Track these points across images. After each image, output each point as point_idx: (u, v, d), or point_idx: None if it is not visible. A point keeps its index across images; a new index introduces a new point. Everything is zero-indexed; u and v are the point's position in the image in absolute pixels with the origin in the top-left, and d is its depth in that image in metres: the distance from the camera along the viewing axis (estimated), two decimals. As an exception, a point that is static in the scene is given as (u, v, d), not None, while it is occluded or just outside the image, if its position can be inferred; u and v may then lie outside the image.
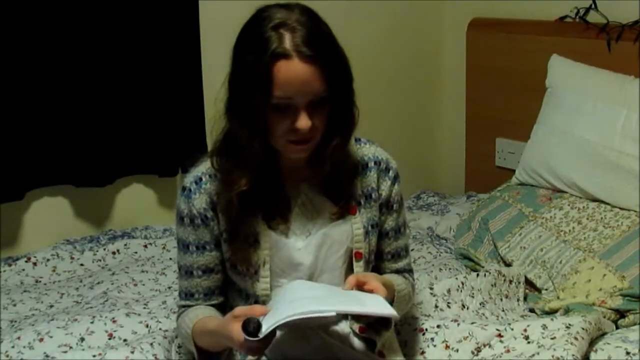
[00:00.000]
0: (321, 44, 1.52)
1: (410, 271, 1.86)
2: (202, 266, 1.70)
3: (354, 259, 1.71)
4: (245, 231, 1.64)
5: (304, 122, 1.52)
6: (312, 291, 1.60)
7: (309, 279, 1.69)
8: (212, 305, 1.73)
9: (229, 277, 1.73)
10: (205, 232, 1.68)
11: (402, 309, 1.75)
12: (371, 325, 1.71)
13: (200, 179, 1.67)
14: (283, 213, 1.67)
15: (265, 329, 1.46)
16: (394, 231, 1.79)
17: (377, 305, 1.54)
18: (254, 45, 1.52)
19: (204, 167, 1.68)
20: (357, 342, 1.70)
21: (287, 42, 1.49)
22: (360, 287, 1.58)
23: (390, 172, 1.74)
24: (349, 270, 1.72)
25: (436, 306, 2.05)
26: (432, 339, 1.88)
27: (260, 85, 1.50)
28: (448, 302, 2.07)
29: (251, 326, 1.46)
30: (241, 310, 1.52)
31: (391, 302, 1.63)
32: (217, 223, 1.67)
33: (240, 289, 1.71)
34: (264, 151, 1.58)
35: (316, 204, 1.69)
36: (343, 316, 1.71)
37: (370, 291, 1.58)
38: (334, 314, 1.50)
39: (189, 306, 1.73)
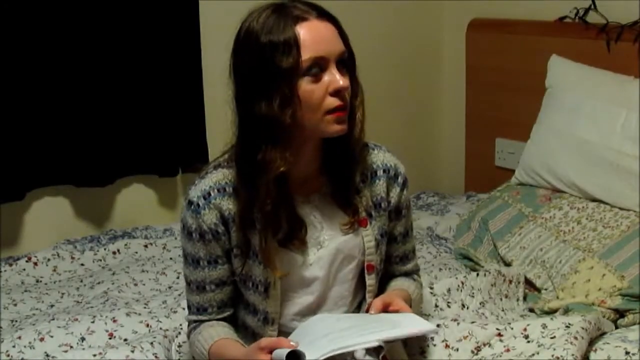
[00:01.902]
0: (325, 10, 1.57)
1: (417, 272, 1.85)
2: (215, 280, 1.66)
3: (365, 271, 1.69)
4: (257, 249, 1.61)
5: (340, 79, 1.52)
6: (343, 322, 1.56)
7: (321, 292, 1.67)
8: (224, 318, 1.70)
9: (238, 290, 1.70)
10: (216, 247, 1.63)
11: (416, 311, 1.74)
12: None
13: (209, 194, 1.61)
14: (294, 229, 1.63)
15: None
16: (402, 236, 1.77)
17: (413, 323, 1.52)
18: (268, 23, 1.51)
19: (210, 181, 1.62)
20: (359, 352, 1.69)
21: (299, 9, 1.53)
22: (385, 308, 1.58)
23: (399, 178, 1.72)
24: (359, 281, 1.71)
25: (436, 305, 2.05)
26: (432, 338, 1.88)
27: (288, 52, 1.49)
28: (448, 302, 2.07)
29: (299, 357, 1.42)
30: (268, 342, 1.49)
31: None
32: (229, 238, 1.63)
33: (249, 302, 1.69)
34: (296, 127, 1.54)
35: (327, 214, 1.66)
36: None
37: (396, 311, 1.57)
38: (376, 344, 1.47)
39: (202, 321, 1.69)
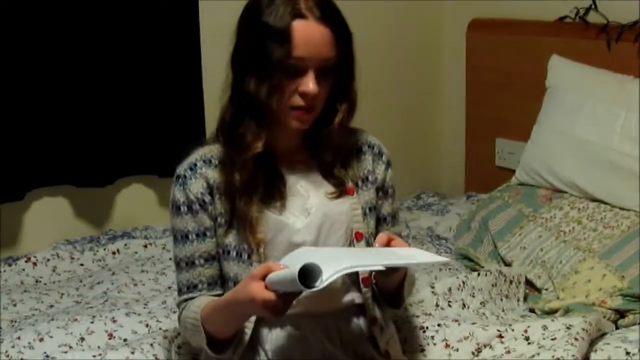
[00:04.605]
0: (331, 10, 1.59)
1: None
2: (204, 254, 1.68)
3: (354, 240, 1.70)
4: (241, 214, 1.63)
5: (311, 85, 1.56)
6: (349, 250, 1.57)
7: None
8: (214, 297, 1.70)
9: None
10: (204, 218, 1.67)
11: (409, 291, 1.77)
12: (375, 321, 1.70)
13: (195, 165, 1.68)
14: (281, 193, 1.66)
15: (327, 276, 1.30)
16: (391, 217, 1.79)
17: (422, 255, 1.51)
18: (269, 8, 1.56)
19: (197, 155, 1.69)
20: (357, 327, 1.69)
21: (302, 3, 1.56)
22: (389, 242, 1.57)
23: (384, 157, 1.77)
24: None
25: (437, 305, 2.05)
26: (433, 337, 1.88)
27: (279, 44, 1.53)
28: (449, 301, 2.07)
29: (312, 273, 1.29)
30: (258, 270, 1.47)
31: (402, 282, 1.66)
32: (214, 207, 1.67)
33: (229, 277, 1.68)
34: (280, 111, 1.60)
35: (313, 183, 1.70)
36: (356, 312, 1.70)
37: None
38: (383, 268, 1.42)
39: (192, 299, 1.69)
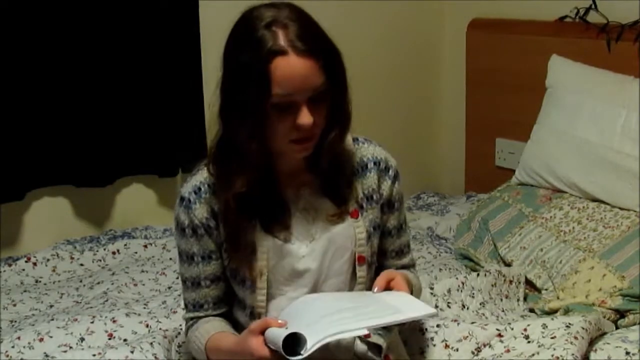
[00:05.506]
0: (314, 38, 1.52)
1: (413, 266, 1.85)
2: (209, 276, 1.67)
3: (356, 263, 1.69)
4: (244, 241, 1.61)
5: (306, 118, 1.50)
6: (343, 302, 1.55)
7: (313, 285, 1.66)
8: (221, 314, 1.71)
9: (232, 287, 1.71)
10: (209, 242, 1.65)
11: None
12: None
13: (199, 189, 1.64)
14: (283, 219, 1.64)
15: (311, 345, 1.39)
16: (396, 229, 1.77)
17: (413, 307, 1.51)
18: (247, 45, 1.50)
19: (201, 177, 1.65)
20: (360, 347, 1.68)
21: (281, 38, 1.49)
22: (388, 285, 1.58)
23: (390, 171, 1.72)
24: (353, 274, 1.70)
25: (436, 306, 2.05)
26: (432, 339, 1.88)
27: (258, 85, 1.48)
28: (448, 302, 2.07)
29: (295, 342, 1.39)
30: (257, 324, 1.50)
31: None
32: (219, 232, 1.64)
33: (239, 298, 1.69)
34: (262, 154, 1.57)
35: (317, 206, 1.66)
36: None
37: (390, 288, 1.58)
38: (366, 331, 1.45)
39: (198, 317, 1.70)
